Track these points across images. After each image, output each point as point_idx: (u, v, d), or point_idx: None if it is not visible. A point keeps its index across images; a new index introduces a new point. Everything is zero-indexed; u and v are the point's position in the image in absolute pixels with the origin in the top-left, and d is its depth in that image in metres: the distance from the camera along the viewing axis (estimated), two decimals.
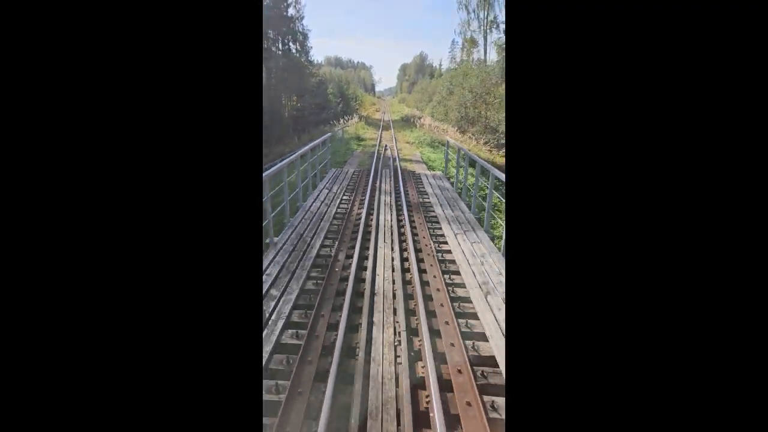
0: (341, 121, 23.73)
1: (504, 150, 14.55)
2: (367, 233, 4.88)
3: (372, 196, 6.67)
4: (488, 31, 28.17)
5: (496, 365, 2.53)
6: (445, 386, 2.32)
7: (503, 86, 17.37)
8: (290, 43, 23.44)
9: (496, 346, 2.67)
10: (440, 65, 52.04)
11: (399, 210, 5.91)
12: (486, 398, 2.22)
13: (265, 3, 17.52)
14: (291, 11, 22.48)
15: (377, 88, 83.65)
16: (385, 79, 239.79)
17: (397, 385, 2.29)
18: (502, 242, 4.40)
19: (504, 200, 4.58)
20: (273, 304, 3.16)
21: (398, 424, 2.03)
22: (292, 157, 5.82)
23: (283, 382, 2.31)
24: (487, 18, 28.34)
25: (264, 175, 4.01)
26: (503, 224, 4.73)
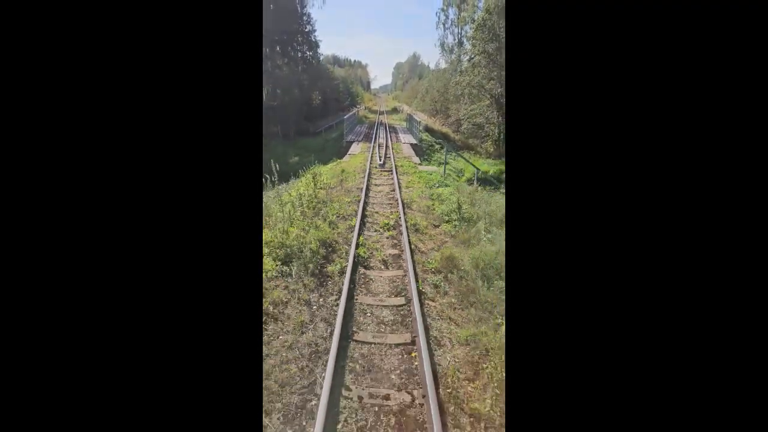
0: (352, 109, 34.90)
1: (448, 122, 25.30)
2: (376, 135, 16.73)
3: (377, 130, 18.66)
4: (461, 43, 36.26)
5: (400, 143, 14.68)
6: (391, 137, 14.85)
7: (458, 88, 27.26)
8: (307, 52, 33.07)
9: (404, 141, 14.84)
10: (428, 65, 58.91)
11: (385, 131, 18.10)
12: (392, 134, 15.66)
13: (289, 19, 24.13)
14: (308, 27, 31.73)
15: (373, 86, 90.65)
16: (381, 76, 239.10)
17: (384, 141, 14.16)
18: (416, 138, 15.78)
19: (421, 131, 15.80)
20: (358, 137, 15.15)
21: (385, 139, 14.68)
22: (344, 117, 17.56)
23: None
24: (460, 33, 36.76)
25: (341, 119, 15.77)
26: (418, 134, 15.85)
